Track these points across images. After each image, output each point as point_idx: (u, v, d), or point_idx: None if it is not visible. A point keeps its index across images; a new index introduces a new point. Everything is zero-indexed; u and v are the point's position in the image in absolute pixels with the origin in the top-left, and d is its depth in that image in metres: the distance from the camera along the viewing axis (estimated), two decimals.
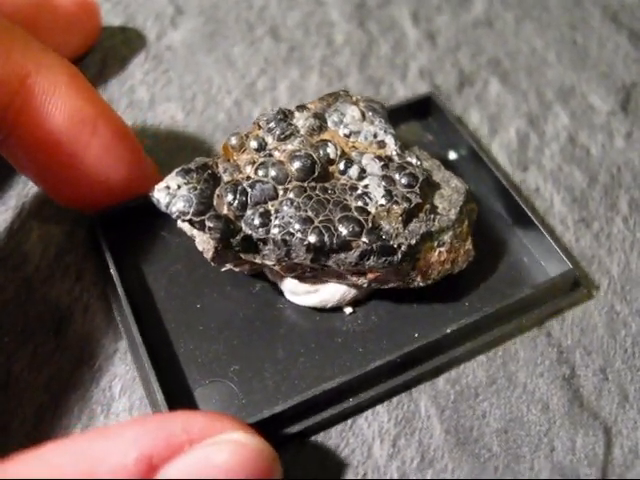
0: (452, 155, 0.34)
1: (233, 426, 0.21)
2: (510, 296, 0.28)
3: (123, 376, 0.27)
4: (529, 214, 0.30)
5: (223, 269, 0.28)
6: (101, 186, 0.29)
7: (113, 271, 0.28)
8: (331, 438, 0.26)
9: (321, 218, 0.25)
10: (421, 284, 0.27)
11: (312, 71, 0.38)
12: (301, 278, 0.27)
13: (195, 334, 0.28)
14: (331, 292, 0.28)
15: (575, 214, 0.33)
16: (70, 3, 0.35)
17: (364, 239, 0.25)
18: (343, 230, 0.25)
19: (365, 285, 0.27)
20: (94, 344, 0.28)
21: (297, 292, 0.28)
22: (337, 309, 0.29)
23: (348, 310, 0.29)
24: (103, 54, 0.39)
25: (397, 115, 0.34)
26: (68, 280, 0.30)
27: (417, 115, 0.35)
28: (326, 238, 0.25)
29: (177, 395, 0.26)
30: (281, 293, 0.29)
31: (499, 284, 0.30)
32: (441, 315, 0.29)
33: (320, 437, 0.26)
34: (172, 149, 0.35)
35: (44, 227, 0.31)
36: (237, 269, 0.28)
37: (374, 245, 0.25)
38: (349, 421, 0.26)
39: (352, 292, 0.28)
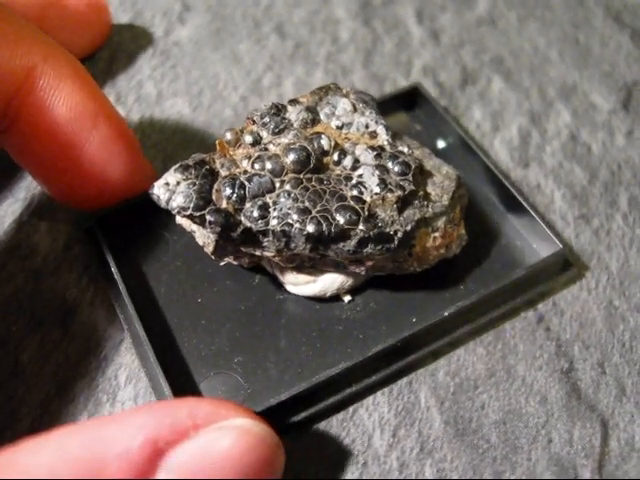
0: (441, 144, 0.35)
1: (237, 413, 0.21)
2: (504, 278, 0.29)
3: (129, 365, 0.28)
4: (518, 197, 0.30)
5: (222, 263, 0.29)
6: (98, 182, 0.29)
7: (114, 270, 0.28)
8: (332, 427, 0.27)
9: (318, 208, 0.26)
10: (417, 269, 0.28)
11: (317, 68, 0.39)
12: (300, 269, 0.28)
13: (197, 328, 0.29)
14: (330, 280, 0.28)
15: (575, 210, 0.33)
16: (80, 3, 0.36)
17: (361, 227, 0.25)
18: (340, 219, 0.25)
19: (363, 272, 0.28)
20: (100, 334, 0.29)
21: (297, 282, 0.29)
22: (336, 298, 0.29)
23: (347, 298, 0.29)
24: (111, 50, 0.39)
25: (385, 107, 0.34)
26: (75, 271, 0.30)
27: (404, 106, 0.36)
28: (324, 227, 0.25)
29: (183, 389, 0.26)
30: (280, 284, 0.29)
31: (493, 267, 0.30)
32: (438, 299, 0.29)
33: (322, 426, 0.27)
34: (179, 143, 0.35)
35: (52, 219, 0.32)
36: (236, 262, 0.29)
37: (371, 233, 0.26)
38: (350, 411, 0.27)
39: (350, 280, 0.29)
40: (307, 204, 0.26)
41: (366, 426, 0.27)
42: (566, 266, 0.30)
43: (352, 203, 0.26)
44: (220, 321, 0.29)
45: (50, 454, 0.19)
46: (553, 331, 0.29)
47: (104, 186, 0.29)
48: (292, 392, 0.25)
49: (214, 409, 0.21)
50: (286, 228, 0.25)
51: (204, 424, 0.20)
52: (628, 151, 0.35)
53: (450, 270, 0.30)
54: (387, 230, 0.26)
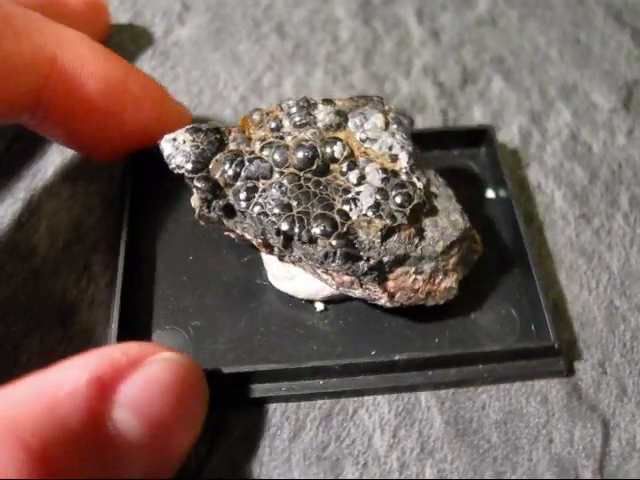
0: (490, 194, 0.33)
1: (161, 348, 0.24)
2: (481, 346, 0.28)
3: None
4: (536, 281, 0.28)
5: (225, 233, 0.29)
6: (138, 137, 0.31)
7: (127, 208, 0.30)
8: (332, 428, 0.26)
9: (300, 209, 0.26)
10: (387, 304, 0.27)
11: (317, 67, 0.39)
12: (281, 259, 0.28)
13: (176, 282, 0.30)
14: (306, 284, 0.28)
15: (576, 210, 0.33)
16: (79, 2, 0.36)
17: (332, 241, 0.25)
18: (314, 227, 0.25)
19: (333, 287, 0.27)
20: (99, 334, 0.28)
21: (275, 275, 0.29)
22: (311, 303, 0.29)
23: (319, 307, 0.29)
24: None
25: (453, 138, 0.34)
26: (75, 271, 0.30)
27: (472, 144, 0.34)
28: (296, 229, 0.25)
29: (136, 330, 0.28)
30: (266, 271, 0.30)
31: (479, 330, 0.29)
32: (407, 341, 0.28)
33: (322, 426, 0.27)
34: None
35: (52, 219, 0.32)
36: (233, 236, 0.29)
37: (339, 249, 0.25)
38: (350, 411, 0.27)
39: (326, 290, 0.28)
40: (292, 201, 0.26)
41: (366, 426, 0.27)
42: (555, 355, 0.28)
43: (335, 215, 0.26)
44: (197, 283, 0.30)
45: (4, 405, 0.20)
46: None
47: (144, 139, 0.30)
48: (226, 370, 0.26)
49: (143, 347, 0.23)
50: (262, 217, 0.26)
51: (136, 360, 0.22)
52: (629, 150, 0.35)
53: (435, 317, 0.29)
54: (360, 253, 0.25)
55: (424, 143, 0.32)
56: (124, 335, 0.27)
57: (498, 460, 0.26)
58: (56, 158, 0.34)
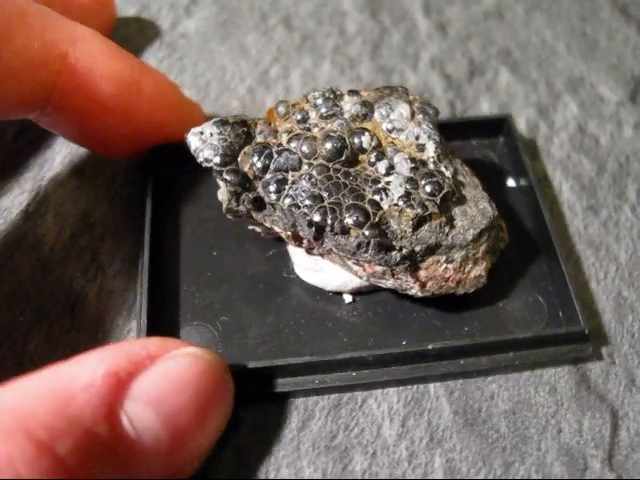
0: (511, 182, 0.33)
1: (184, 344, 0.23)
2: (510, 333, 0.28)
3: None
4: (562, 265, 0.28)
5: (250, 227, 0.29)
6: (151, 134, 0.30)
7: (148, 202, 0.30)
8: (341, 417, 0.26)
9: (332, 200, 0.26)
10: (419, 294, 0.27)
11: (324, 60, 0.39)
12: (309, 252, 0.28)
13: (202, 278, 0.30)
14: (334, 275, 0.28)
15: (584, 202, 0.33)
16: None
17: (365, 231, 0.25)
18: (347, 217, 0.25)
19: (364, 278, 0.27)
20: (108, 324, 0.28)
21: (304, 267, 0.29)
22: (339, 295, 0.29)
23: (348, 299, 0.29)
24: (118, 43, 0.39)
25: (470, 128, 0.34)
26: (83, 261, 0.30)
27: (490, 134, 0.35)
28: (328, 220, 0.25)
29: (164, 327, 0.28)
30: (292, 265, 0.30)
31: (507, 318, 0.29)
32: (437, 331, 0.28)
33: (331, 415, 0.26)
34: None
35: (59, 209, 0.32)
36: (258, 229, 0.29)
37: (372, 239, 0.25)
38: (359, 400, 0.27)
39: (355, 282, 0.28)
40: (323, 192, 0.26)
41: (375, 416, 0.27)
42: (583, 341, 0.28)
43: (367, 206, 0.26)
44: (223, 278, 0.30)
45: (19, 397, 0.19)
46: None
47: (156, 137, 0.30)
48: (255, 365, 0.26)
49: (163, 342, 0.22)
50: (293, 209, 0.26)
51: (157, 354, 0.21)
52: (636, 143, 0.35)
53: (463, 306, 0.29)
54: (393, 243, 0.26)
55: (443, 134, 0.32)
56: (152, 333, 0.26)
57: (507, 450, 0.26)
58: (63, 149, 0.34)
